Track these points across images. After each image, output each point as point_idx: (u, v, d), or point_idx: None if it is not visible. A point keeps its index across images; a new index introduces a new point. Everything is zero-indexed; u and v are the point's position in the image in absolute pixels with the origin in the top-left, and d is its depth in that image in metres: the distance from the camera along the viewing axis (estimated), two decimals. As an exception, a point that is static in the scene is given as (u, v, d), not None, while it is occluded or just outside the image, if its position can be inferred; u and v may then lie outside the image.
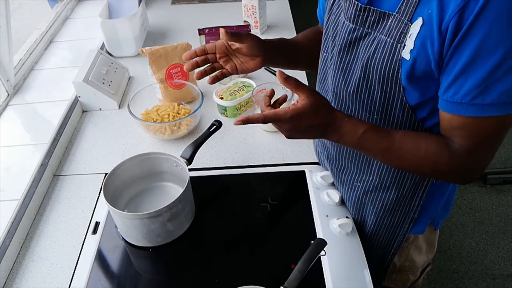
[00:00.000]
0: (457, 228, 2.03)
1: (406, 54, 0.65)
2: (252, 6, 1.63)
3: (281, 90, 1.18)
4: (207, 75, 0.84)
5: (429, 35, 0.61)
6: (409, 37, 0.64)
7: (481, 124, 0.63)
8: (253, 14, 1.66)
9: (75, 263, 0.88)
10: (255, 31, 1.69)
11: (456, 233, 2.01)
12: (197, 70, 0.84)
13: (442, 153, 0.69)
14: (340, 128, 0.71)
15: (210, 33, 1.37)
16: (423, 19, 0.61)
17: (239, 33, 0.81)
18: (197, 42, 1.38)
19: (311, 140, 1.14)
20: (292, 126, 0.71)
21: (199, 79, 0.83)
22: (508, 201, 2.15)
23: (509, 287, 1.79)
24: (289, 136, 0.74)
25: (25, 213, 0.96)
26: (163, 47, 1.29)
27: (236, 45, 0.83)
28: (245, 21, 1.70)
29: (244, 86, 1.29)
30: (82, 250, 0.90)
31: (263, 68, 1.49)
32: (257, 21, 1.67)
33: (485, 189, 2.21)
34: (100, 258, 0.88)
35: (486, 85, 0.58)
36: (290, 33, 1.72)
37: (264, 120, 0.70)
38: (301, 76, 1.41)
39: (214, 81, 0.83)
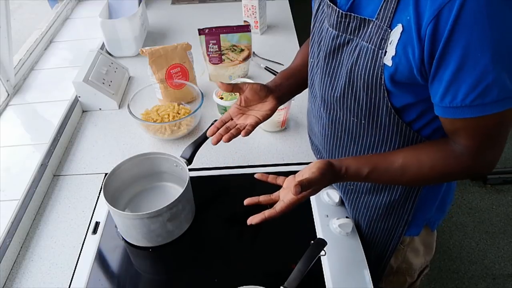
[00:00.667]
0: (457, 228, 2.03)
1: (388, 61, 0.65)
2: (252, 6, 1.63)
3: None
4: (222, 137, 0.87)
5: (410, 41, 0.61)
6: (390, 43, 0.64)
7: (483, 122, 0.63)
8: (253, 14, 1.66)
9: (75, 263, 0.88)
10: (255, 31, 1.69)
11: (456, 233, 2.01)
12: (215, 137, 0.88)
13: (448, 161, 0.70)
14: (343, 179, 0.76)
15: (210, 33, 1.37)
16: (402, 26, 0.61)
17: (235, 83, 0.87)
18: (197, 42, 1.38)
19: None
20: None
21: (215, 143, 0.87)
22: (508, 201, 2.15)
23: (509, 287, 1.79)
24: None
25: (25, 213, 0.96)
26: (163, 47, 1.29)
27: (243, 100, 0.88)
28: (245, 21, 1.70)
29: (244, 86, 1.29)
30: (82, 250, 0.90)
31: (263, 68, 1.50)
32: (257, 21, 1.67)
33: (485, 189, 2.21)
34: (100, 258, 0.88)
35: (483, 85, 0.58)
36: (290, 33, 1.72)
37: (283, 212, 0.75)
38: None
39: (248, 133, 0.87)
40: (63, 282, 0.86)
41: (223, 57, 1.40)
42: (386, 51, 0.65)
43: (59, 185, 1.09)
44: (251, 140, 1.19)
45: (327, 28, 0.76)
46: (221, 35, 1.38)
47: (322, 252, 0.77)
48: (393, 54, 0.63)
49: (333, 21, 0.73)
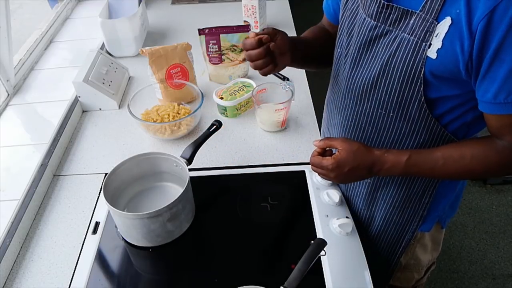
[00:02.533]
0: (457, 228, 2.03)
1: (432, 53, 0.65)
2: (252, 6, 1.63)
3: (281, 90, 1.18)
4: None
5: (458, 35, 0.60)
6: (436, 36, 0.63)
7: None
8: (253, 14, 1.66)
9: (75, 263, 0.88)
10: (255, 31, 1.68)
11: (456, 233, 2.01)
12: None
13: (490, 154, 0.70)
14: (384, 163, 0.76)
15: (210, 33, 1.37)
16: (451, 19, 0.61)
17: (270, 30, 0.83)
18: (197, 42, 1.38)
19: (311, 140, 1.14)
20: (337, 174, 0.79)
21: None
22: (508, 201, 2.15)
23: (509, 287, 1.79)
24: (340, 182, 0.83)
25: (25, 213, 0.96)
26: (163, 47, 1.29)
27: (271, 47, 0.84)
28: (245, 21, 1.70)
29: (244, 86, 1.29)
30: (82, 250, 0.90)
31: (263, 68, 1.50)
32: (257, 21, 1.67)
33: (485, 189, 2.21)
34: (100, 258, 0.88)
35: None
36: (290, 33, 1.70)
37: (311, 160, 0.82)
38: (301, 75, 1.41)
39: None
40: (63, 282, 0.86)
41: (223, 57, 1.40)
42: (430, 44, 0.64)
43: (59, 185, 1.09)
44: (251, 140, 1.19)
45: (364, 18, 0.75)
46: (221, 35, 1.38)
47: (322, 252, 0.76)
48: (439, 47, 0.63)
49: (372, 11, 0.72)
